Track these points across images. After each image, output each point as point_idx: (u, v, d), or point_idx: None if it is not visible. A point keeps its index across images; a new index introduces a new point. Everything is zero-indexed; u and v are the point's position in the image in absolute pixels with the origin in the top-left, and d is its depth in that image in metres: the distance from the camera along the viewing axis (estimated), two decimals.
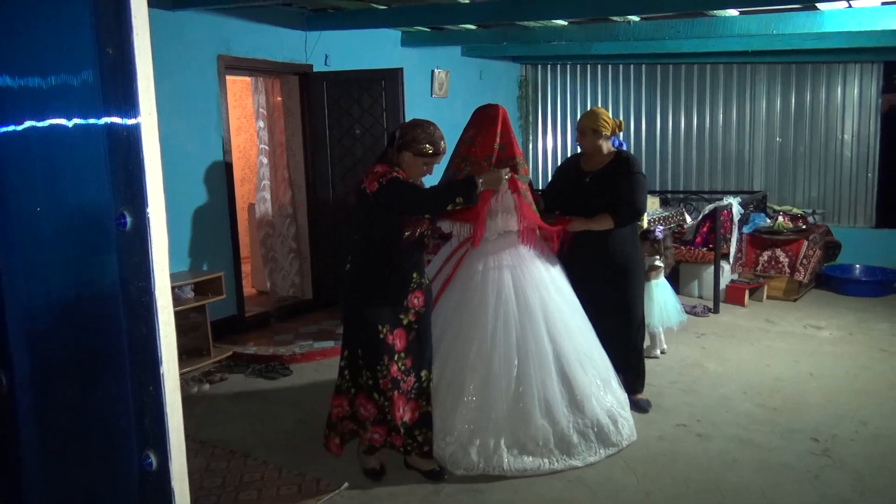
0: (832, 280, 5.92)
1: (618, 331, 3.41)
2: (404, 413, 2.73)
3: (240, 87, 7.01)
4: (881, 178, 6.37)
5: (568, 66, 7.57)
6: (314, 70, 5.27)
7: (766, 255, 5.76)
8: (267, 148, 5.62)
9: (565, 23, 5.18)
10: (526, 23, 5.20)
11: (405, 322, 2.72)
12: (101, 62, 0.87)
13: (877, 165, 6.34)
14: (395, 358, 2.70)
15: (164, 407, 0.90)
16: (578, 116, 7.60)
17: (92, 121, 0.91)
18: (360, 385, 2.74)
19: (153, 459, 0.93)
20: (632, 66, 7.19)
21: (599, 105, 7.46)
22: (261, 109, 5.61)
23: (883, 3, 4.03)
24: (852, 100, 6.31)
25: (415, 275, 2.75)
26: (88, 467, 1.05)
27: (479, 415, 2.90)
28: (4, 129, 1.03)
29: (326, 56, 5.35)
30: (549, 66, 7.69)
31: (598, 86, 7.46)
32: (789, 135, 6.61)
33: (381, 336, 2.66)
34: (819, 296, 5.75)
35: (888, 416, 3.36)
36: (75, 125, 0.93)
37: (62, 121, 0.95)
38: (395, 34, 6.01)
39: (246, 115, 7.04)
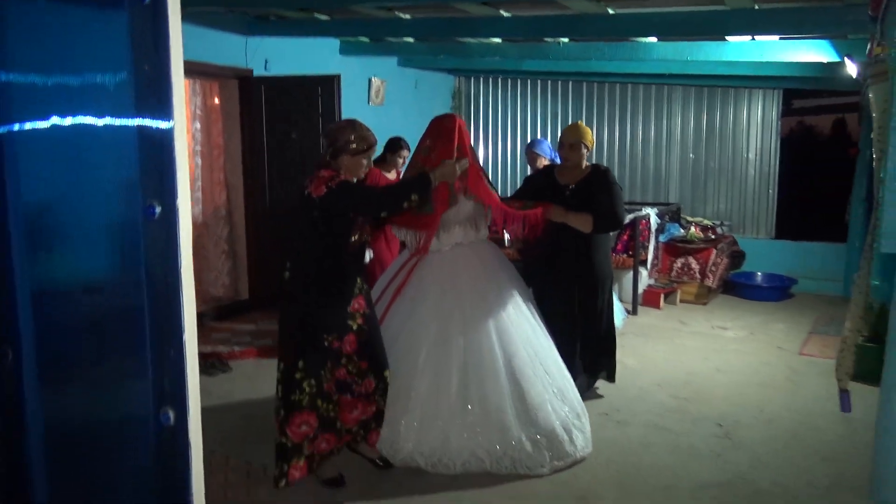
0: (737, 286, 6.46)
1: (600, 333, 3.61)
2: (361, 414, 2.76)
3: None
4: (780, 194, 7.00)
5: (500, 79, 7.90)
6: (254, 74, 5.35)
7: (679, 262, 6.24)
8: (201, 149, 5.63)
9: (499, 40, 5.47)
10: (462, 39, 5.46)
11: (354, 327, 2.72)
12: (136, 72, 1.02)
13: (776, 182, 6.96)
14: (343, 362, 2.70)
15: (185, 369, 1.05)
16: (509, 127, 8.12)
17: (123, 121, 1.05)
18: (291, 402, 2.62)
19: (171, 415, 1.08)
20: (560, 82, 7.58)
21: (529, 117, 7.82)
22: (197, 111, 5.63)
23: (781, 38, 4.51)
24: (756, 122, 6.91)
25: (358, 280, 2.76)
26: (102, 430, 1.18)
27: (426, 424, 2.89)
28: (31, 124, 1.15)
29: (266, 61, 5.44)
30: (481, 78, 7.99)
31: (528, 99, 7.82)
32: (701, 152, 7.15)
33: (326, 344, 2.64)
34: (726, 300, 6.27)
35: (783, 405, 3.78)
36: (106, 125, 1.08)
37: (92, 119, 1.09)
38: (334, 42, 6.14)
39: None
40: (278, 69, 5.46)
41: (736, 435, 3.36)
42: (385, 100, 6.82)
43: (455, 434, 2.88)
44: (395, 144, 4.53)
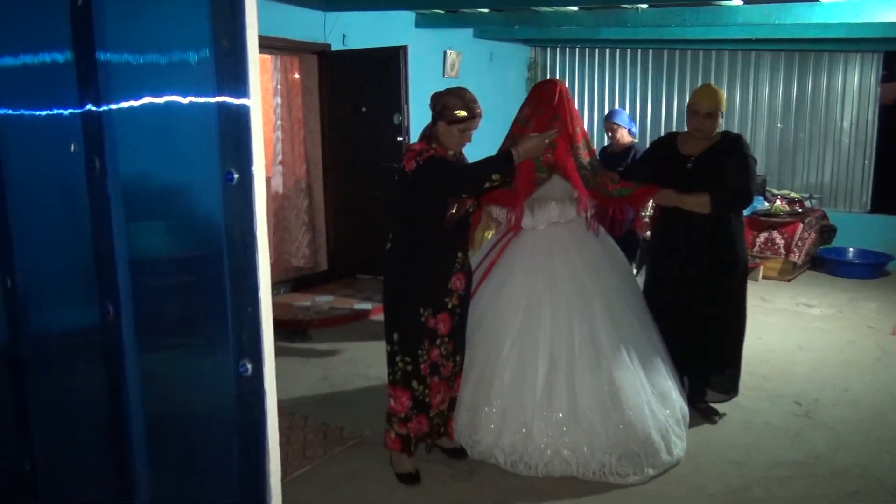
0: (826, 262, 6.15)
1: (714, 333, 3.08)
2: (443, 400, 2.69)
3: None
4: (877, 166, 6.57)
5: (577, 49, 7.74)
6: (332, 49, 5.47)
7: (762, 237, 5.99)
8: (282, 124, 5.84)
9: (576, 8, 5.36)
10: (538, 7, 5.38)
11: (450, 306, 2.62)
12: (215, 49, 1.10)
13: (874, 153, 6.54)
14: (438, 342, 2.61)
15: (260, 324, 1.15)
16: (586, 99, 7.96)
17: (205, 99, 1.14)
18: (393, 374, 2.61)
19: (249, 367, 1.17)
20: (639, 50, 7.36)
21: (607, 88, 7.64)
22: (278, 86, 5.83)
23: None
24: (852, 88, 6.49)
25: (459, 255, 2.61)
26: (188, 378, 1.30)
27: (507, 414, 2.71)
28: (126, 102, 1.26)
29: (344, 36, 5.55)
30: (557, 49, 7.85)
31: (606, 69, 7.64)
32: (790, 121, 6.79)
33: (423, 319, 2.56)
34: (813, 277, 5.98)
35: (868, 385, 3.62)
36: (190, 102, 1.17)
37: (178, 98, 1.18)
38: (409, 15, 6.19)
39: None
40: (355, 43, 5.57)
41: (816, 414, 3.25)
42: (460, 73, 6.83)
43: (539, 431, 2.65)
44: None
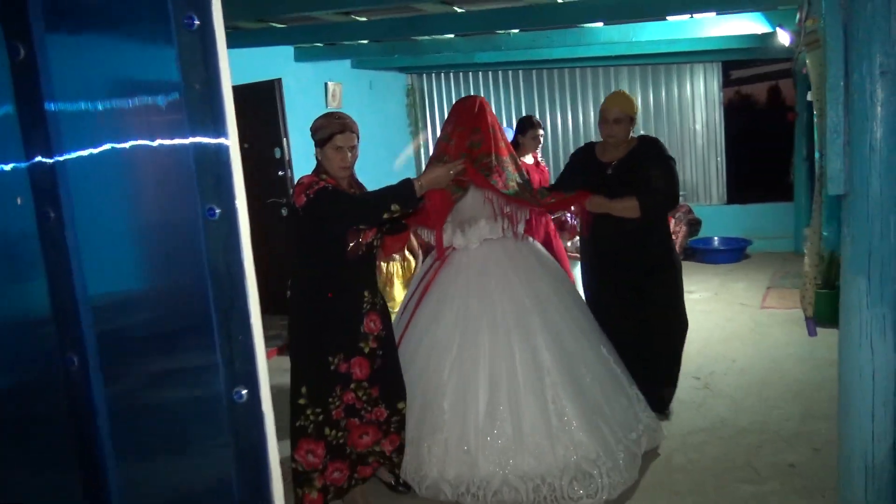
0: (697, 251, 6.80)
1: (657, 339, 3.06)
2: (372, 440, 2.50)
3: None
4: (728, 162, 7.36)
5: (451, 73, 8.08)
6: None
7: None
8: None
9: (452, 35, 5.64)
10: (416, 37, 5.61)
11: (366, 350, 2.44)
12: (187, 93, 1.16)
13: (723, 150, 7.32)
14: (353, 387, 2.43)
15: (254, 351, 1.20)
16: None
17: (178, 141, 1.19)
18: (298, 428, 2.40)
19: (244, 393, 1.22)
20: (510, 72, 7.80)
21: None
22: None
23: (717, 14, 4.79)
24: (700, 95, 7.25)
25: (366, 294, 2.44)
26: (177, 413, 1.32)
27: (451, 445, 2.60)
28: (84, 151, 1.28)
29: None
30: (433, 74, 8.15)
31: (480, 91, 8.01)
32: (651, 128, 7.45)
33: (332, 368, 2.39)
34: (687, 266, 6.50)
35: (752, 354, 4.07)
36: (160, 145, 1.21)
37: (146, 142, 1.22)
38: (288, 50, 6.22)
39: None
40: (234, 80, 5.50)
41: (713, 385, 3.63)
42: (342, 102, 6.92)
43: (484, 459, 2.54)
44: (523, 125, 4.05)
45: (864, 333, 1.58)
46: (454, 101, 7.78)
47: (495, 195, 2.77)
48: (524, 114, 7.89)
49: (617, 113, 2.97)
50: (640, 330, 3.04)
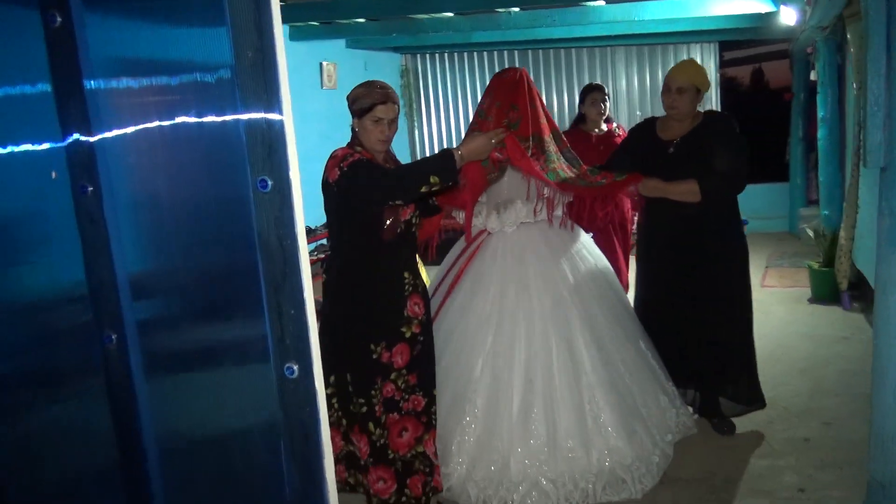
0: None
1: (718, 335, 2.79)
2: (412, 436, 2.28)
3: None
4: None
5: (446, 54, 8.00)
6: None
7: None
8: None
9: (451, 14, 5.57)
10: (414, 15, 5.54)
11: (408, 335, 2.26)
12: (238, 63, 1.12)
13: None
14: (393, 377, 2.26)
15: (307, 326, 1.18)
16: (460, 103, 8.24)
17: (229, 116, 1.15)
18: (352, 414, 2.29)
19: (295, 368, 1.20)
20: (505, 52, 7.74)
21: (479, 89, 7.96)
22: None
23: None
24: None
25: (406, 275, 2.27)
26: (223, 388, 1.29)
27: (481, 443, 2.45)
28: (126, 129, 1.24)
29: None
30: (428, 55, 8.07)
31: (476, 72, 7.95)
32: (647, 108, 7.44)
33: (375, 357, 2.24)
34: None
35: (757, 333, 4.09)
36: (211, 121, 1.17)
37: (190, 118, 1.19)
38: (283, 29, 6.12)
39: None
40: None
41: None
42: (338, 83, 6.84)
43: (515, 461, 2.40)
44: (582, 93, 3.88)
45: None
46: (454, 81, 7.61)
47: (533, 176, 2.55)
48: None
49: (682, 81, 2.66)
50: (703, 327, 2.77)
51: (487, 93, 2.65)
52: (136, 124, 1.24)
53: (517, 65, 7.73)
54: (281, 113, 1.11)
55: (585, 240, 2.82)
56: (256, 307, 1.20)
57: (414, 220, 2.31)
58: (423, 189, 2.12)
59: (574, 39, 6.87)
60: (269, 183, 1.14)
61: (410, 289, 2.29)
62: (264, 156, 1.14)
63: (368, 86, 2.21)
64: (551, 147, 2.61)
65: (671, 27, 5.77)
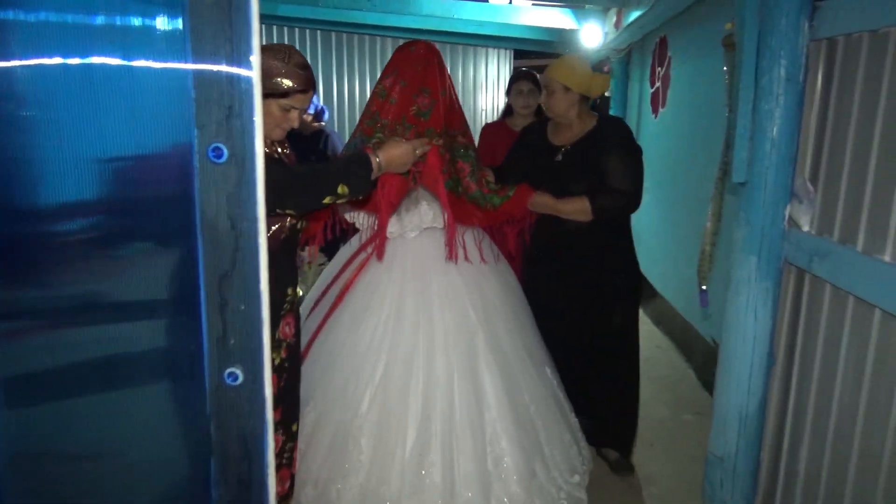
0: None
1: (602, 374, 2.53)
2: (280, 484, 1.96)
3: None
4: None
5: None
6: None
7: None
8: None
9: None
10: None
11: (276, 362, 1.85)
12: (192, 9, 0.91)
13: None
14: None
15: (260, 323, 1.00)
16: None
17: (172, 63, 0.94)
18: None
19: (239, 374, 1.01)
20: (318, 32, 7.40)
21: None
22: None
23: (534, 4, 5.11)
24: (493, 77, 7.66)
25: (289, 291, 1.85)
26: (146, 406, 1.05)
27: (366, 492, 2.07)
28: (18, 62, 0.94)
29: None
30: None
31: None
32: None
33: None
34: None
35: None
36: (143, 66, 0.94)
37: (117, 60, 0.94)
38: None
39: None
40: None
41: None
42: None
43: None
44: (510, 81, 3.38)
45: (751, 304, 1.83)
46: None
47: (439, 196, 2.16)
48: (336, 80, 7.62)
49: (547, 79, 2.40)
50: (589, 358, 2.52)
51: (390, 69, 2.25)
52: (21, 58, 0.94)
53: (331, 47, 7.47)
54: (250, 67, 0.93)
55: (491, 245, 2.44)
56: (184, 302, 0.99)
57: (299, 225, 1.87)
58: (327, 200, 1.73)
59: (393, 28, 6.84)
60: (225, 152, 0.95)
61: (287, 306, 1.85)
62: (220, 119, 0.94)
63: (287, 61, 1.69)
64: (459, 139, 2.29)
65: (481, 29, 6.02)
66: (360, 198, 1.81)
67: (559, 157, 2.46)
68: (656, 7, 3.41)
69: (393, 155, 1.84)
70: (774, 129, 1.73)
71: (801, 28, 1.68)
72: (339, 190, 1.72)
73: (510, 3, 5.16)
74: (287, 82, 1.68)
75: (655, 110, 4.43)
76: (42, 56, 0.92)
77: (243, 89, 0.93)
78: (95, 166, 0.97)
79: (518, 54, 7.69)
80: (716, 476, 1.98)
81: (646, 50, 4.67)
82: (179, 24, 0.92)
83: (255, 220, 0.97)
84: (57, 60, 0.93)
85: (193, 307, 1.00)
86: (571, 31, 5.30)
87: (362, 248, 2.30)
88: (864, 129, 1.53)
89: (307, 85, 1.72)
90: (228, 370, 1.01)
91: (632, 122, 4.91)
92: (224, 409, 1.03)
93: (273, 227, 1.78)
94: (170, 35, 0.92)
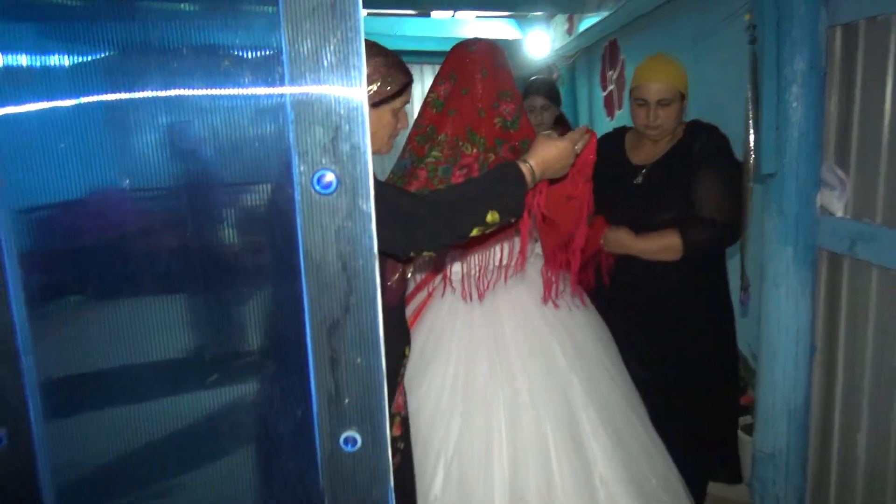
0: None
1: (709, 413, 2.06)
2: None
3: None
4: None
5: None
6: None
7: None
8: None
9: None
10: None
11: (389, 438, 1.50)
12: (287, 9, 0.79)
13: None
14: None
15: (379, 377, 0.86)
16: None
17: (266, 89, 0.80)
18: None
19: (358, 438, 0.87)
20: None
21: None
22: None
23: (477, 17, 5.09)
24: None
25: (406, 350, 1.52)
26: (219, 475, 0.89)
27: None
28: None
29: None
30: None
31: None
32: None
33: None
34: None
35: None
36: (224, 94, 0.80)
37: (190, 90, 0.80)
38: None
39: None
40: None
41: None
42: None
43: None
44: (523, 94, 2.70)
45: (791, 294, 1.81)
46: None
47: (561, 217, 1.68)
48: None
49: (665, 91, 1.91)
50: (685, 413, 2.03)
51: (444, 73, 1.82)
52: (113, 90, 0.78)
53: None
54: (360, 80, 0.80)
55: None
56: (289, 358, 0.85)
57: (412, 272, 1.56)
58: (475, 232, 1.33)
59: None
60: (334, 180, 0.81)
61: (403, 371, 1.53)
62: (326, 142, 0.81)
63: (386, 54, 1.37)
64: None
65: (424, 45, 5.96)
66: (515, 220, 1.39)
67: (639, 180, 1.97)
68: (619, 12, 3.43)
69: (548, 158, 1.42)
70: (800, 117, 1.72)
71: (819, 15, 1.68)
72: (489, 218, 1.32)
73: (453, 16, 5.12)
74: (400, 77, 1.37)
75: (611, 112, 4.47)
76: (122, 90, 0.76)
77: (354, 107, 0.80)
78: (178, 204, 0.82)
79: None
80: (766, 474, 1.94)
81: (593, 54, 4.72)
82: (276, 36, 0.78)
83: (370, 257, 0.83)
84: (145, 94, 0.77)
85: (299, 363, 0.85)
86: (516, 41, 5.31)
87: (419, 287, 1.84)
88: None
89: (410, 73, 1.41)
90: (344, 434, 0.87)
91: None
92: (341, 480, 0.88)
93: (393, 278, 1.44)
94: (265, 49, 0.78)
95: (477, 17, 5.09)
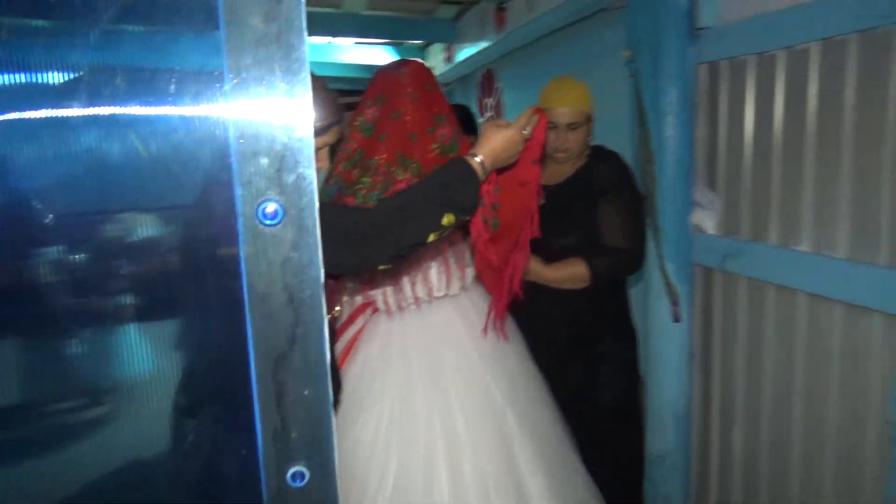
0: None
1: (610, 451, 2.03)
2: None
3: None
4: None
5: None
6: None
7: None
8: None
9: None
10: None
11: None
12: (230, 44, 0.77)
13: None
14: None
15: (327, 411, 0.85)
16: None
17: (204, 106, 0.78)
18: None
19: (306, 473, 0.85)
20: None
21: None
22: None
23: (356, 42, 5.11)
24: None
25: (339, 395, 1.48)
26: None
27: None
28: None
29: None
30: None
31: None
32: None
33: None
34: None
35: None
36: (163, 113, 0.78)
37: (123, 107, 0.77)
38: None
39: None
40: None
41: None
42: None
43: None
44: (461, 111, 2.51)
45: (669, 310, 1.97)
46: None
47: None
48: None
49: (573, 115, 1.91)
50: (591, 431, 1.99)
51: (371, 96, 1.72)
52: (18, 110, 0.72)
53: None
54: (306, 114, 0.79)
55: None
56: (237, 393, 0.82)
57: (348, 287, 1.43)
58: (432, 238, 1.27)
59: None
60: (279, 210, 0.80)
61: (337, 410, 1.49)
62: (272, 171, 0.80)
63: (320, 88, 1.31)
64: None
65: (319, 71, 5.87)
66: (467, 218, 1.34)
67: (541, 201, 1.79)
68: (499, 44, 3.59)
69: (497, 147, 1.36)
70: (674, 145, 1.90)
71: (687, 53, 1.86)
72: (445, 221, 1.26)
73: (329, 43, 5.11)
74: (327, 115, 1.30)
75: None
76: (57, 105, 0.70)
77: (298, 136, 0.79)
78: (113, 233, 0.77)
79: (340, 93, 7.66)
80: (657, 475, 2.08)
81: (469, 82, 4.89)
82: (217, 63, 0.76)
83: (317, 287, 0.83)
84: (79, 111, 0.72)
85: (244, 399, 0.83)
86: None
87: (350, 320, 1.72)
88: (763, 138, 1.73)
89: (341, 114, 1.34)
90: (292, 470, 0.85)
91: None
92: None
93: (336, 308, 1.34)
94: (206, 76, 0.76)
95: (356, 42, 5.12)
